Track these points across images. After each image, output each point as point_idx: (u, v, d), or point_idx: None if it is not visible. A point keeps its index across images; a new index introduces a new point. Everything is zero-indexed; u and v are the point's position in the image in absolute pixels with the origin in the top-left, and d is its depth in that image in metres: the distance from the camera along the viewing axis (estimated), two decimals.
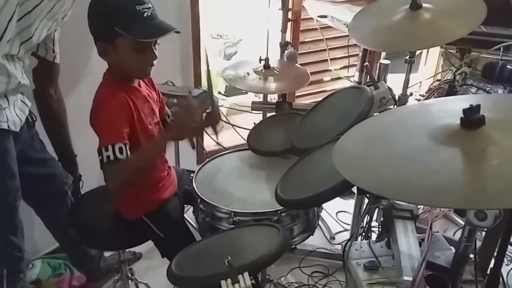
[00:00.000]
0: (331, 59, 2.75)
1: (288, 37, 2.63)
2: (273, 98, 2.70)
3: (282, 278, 2.16)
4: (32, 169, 1.74)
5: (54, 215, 1.88)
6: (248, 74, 2.12)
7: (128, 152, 1.34)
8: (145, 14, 1.34)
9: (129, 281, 1.91)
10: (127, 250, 1.91)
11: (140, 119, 1.44)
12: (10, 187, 1.57)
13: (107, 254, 2.18)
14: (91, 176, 1.98)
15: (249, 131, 1.93)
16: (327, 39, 2.68)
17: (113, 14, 1.33)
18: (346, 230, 2.51)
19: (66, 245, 2.04)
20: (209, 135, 2.41)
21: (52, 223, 1.94)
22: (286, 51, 2.38)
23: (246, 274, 1.07)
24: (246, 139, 1.89)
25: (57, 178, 1.86)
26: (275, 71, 2.13)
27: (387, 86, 1.55)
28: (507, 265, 2.09)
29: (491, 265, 1.30)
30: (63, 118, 1.82)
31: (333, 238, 2.48)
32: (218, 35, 4.15)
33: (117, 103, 1.38)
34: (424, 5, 1.47)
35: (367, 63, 1.85)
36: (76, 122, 2.12)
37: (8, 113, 1.50)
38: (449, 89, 1.83)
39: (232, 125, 2.54)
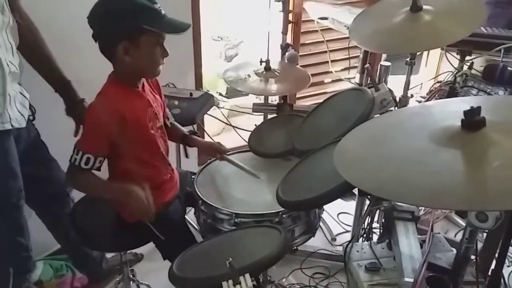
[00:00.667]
0: (332, 61, 2.75)
1: (289, 39, 2.63)
2: (274, 100, 2.71)
3: (283, 280, 2.16)
4: (34, 170, 1.74)
5: (55, 216, 1.88)
6: (249, 76, 2.12)
7: (96, 164, 1.41)
8: (162, 12, 1.38)
9: (131, 282, 1.91)
10: (128, 251, 1.91)
11: (139, 126, 1.44)
12: (12, 187, 1.58)
13: (108, 255, 2.18)
14: None
15: (250, 133, 1.93)
16: (327, 41, 2.68)
17: (137, 12, 1.34)
18: (347, 231, 2.51)
19: (68, 246, 2.04)
20: (209, 137, 2.42)
21: (53, 224, 1.94)
22: (287, 53, 2.38)
23: (247, 275, 1.08)
24: (247, 141, 1.90)
25: (59, 180, 1.86)
26: (276, 73, 2.13)
27: (388, 88, 1.56)
28: (508, 266, 2.09)
29: (493, 266, 1.30)
30: (41, 45, 1.73)
31: (334, 239, 2.47)
32: (219, 37, 4.15)
33: (104, 118, 1.39)
34: (424, 7, 1.47)
35: (368, 65, 1.85)
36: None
37: (10, 112, 1.50)
38: (450, 90, 1.83)
39: (233, 126, 2.54)
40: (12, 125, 1.52)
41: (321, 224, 2.44)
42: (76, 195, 1.86)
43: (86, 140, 1.41)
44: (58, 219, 1.87)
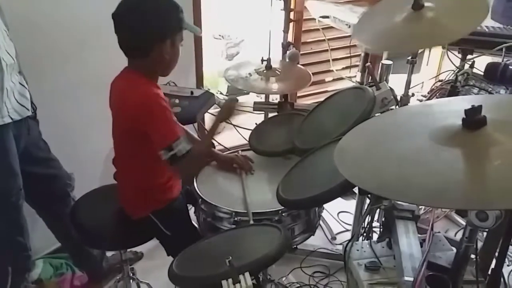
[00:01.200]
0: (333, 60, 2.75)
1: (290, 38, 2.63)
2: (275, 98, 2.71)
3: (283, 278, 2.16)
4: (36, 169, 1.74)
5: (56, 216, 1.88)
6: (250, 74, 2.12)
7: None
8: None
9: (131, 281, 1.91)
10: (128, 250, 1.91)
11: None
12: (12, 186, 1.58)
13: (108, 254, 2.19)
14: (92, 176, 1.99)
15: (250, 131, 1.93)
16: (329, 39, 2.68)
17: (179, 12, 1.41)
18: (347, 230, 2.51)
19: (69, 245, 2.04)
20: None
21: (54, 223, 1.94)
22: (288, 52, 2.38)
23: (247, 274, 1.07)
24: (247, 139, 1.89)
25: (61, 179, 1.86)
26: (277, 71, 2.13)
27: (389, 87, 1.55)
28: (508, 265, 2.08)
29: (492, 265, 1.30)
30: None
31: (334, 238, 2.47)
32: (220, 35, 4.16)
33: (162, 100, 1.41)
34: (426, 4, 1.47)
35: (369, 63, 1.85)
36: (78, 125, 2.14)
37: (8, 105, 1.50)
38: (451, 89, 1.83)
39: (234, 125, 2.54)
40: (11, 118, 1.51)
41: (321, 223, 2.44)
42: (77, 194, 1.87)
43: (173, 127, 1.41)
44: (59, 218, 1.88)
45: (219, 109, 1.66)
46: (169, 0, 1.41)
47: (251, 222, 1.47)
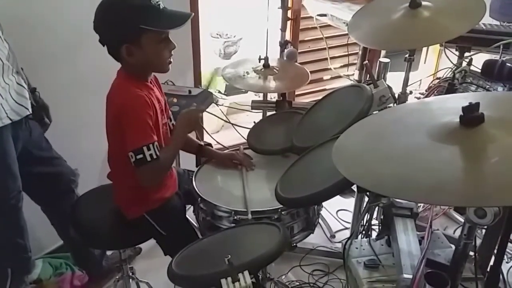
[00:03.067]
0: (331, 58, 2.74)
1: (288, 36, 2.63)
2: (273, 97, 2.70)
3: (283, 277, 2.17)
4: (40, 168, 1.74)
5: (61, 213, 1.88)
6: (247, 73, 2.12)
7: (158, 148, 1.41)
8: (160, 7, 1.38)
9: (130, 280, 1.91)
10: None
11: (156, 117, 1.46)
12: (11, 188, 1.57)
13: (108, 252, 2.19)
14: (91, 176, 1.98)
15: (249, 130, 1.93)
16: (326, 37, 2.67)
17: (135, 14, 1.35)
18: (346, 228, 2.51)
19: (71, 243, 2.04)
20: (209, 134, 2.41)
21: (59, 221, 1.94)
22: (285, 50, 2.38)
23: (246, 272, 1.08)
24: (246, 138, 1.89)
25: (64, 176, 1.86)
26: (275, 70, 2.13)
27: (387, 85, 1.56)
28: (507, 262, 2.09)
29: (491, 262, 1.30)
30: None
31: (333, 236, 2.48)
32: (217, 34, 4.15)
33: (144, 103, 1.40)
34: (423, 3, 1.47)
35: (367, 61, 1.85)
36: (76, 124, 2.13)
37: (5, 107, 1.49)
38: (449, 87, 1.83)
39: (232, 124, 2.53)
40: (10, 119, 1.51)
41: (320, 221, 2.44)
42: (81, 191, 1.87)
43: (145, 131, 1.38)
44: (64, 215, 1.87)
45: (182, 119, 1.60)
46: (129, 3, 1.35)
47: (250, 218, 1.47)
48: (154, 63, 1.46)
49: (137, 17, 1.35)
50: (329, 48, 2.72)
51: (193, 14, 1.44)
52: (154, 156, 1.38)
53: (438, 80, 2.01)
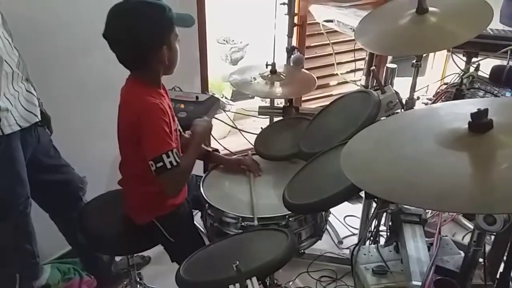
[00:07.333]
0: (338, 64, 2.75)
1: (294, 42, 2.63)
2: (279, 102, 2.71)
3: (290, 283, 2.16)
4: (49, 176, 1.76)
5: (69, 220, 1.89)
6: (254, 79, 2.12)
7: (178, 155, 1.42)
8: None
9: (138, 285, 1.91)
10: (135, 254, 1.91)
11: (170, 123, 1.47)
12: (20, 194, 1.58)
13: (117, 258, 2.19)
14: (99, 182, 1.99)
15: (256, 135, 1.93)
16: (333, 43, 2.68)
17: (163, 14, 1.38)
18: (354, 234, 2.50)
19: (80, 249, 2.05)
20: (216, 140, 2.42)
21: (67, 228, 1.95)
22: (292, 56, 2.38)
23: (254, 279, 1.08)
24: (253, 144, 1.89)
25: (73, 184, 1.87)
26: (282, 76, 2.13)
27: (394, 90, 1.55)
28: None
29: (501, 269, 1.29)
30: None
31: (341, 242, 2.47)
32: (224, 40, 4.17)
33: (159, 110, 1.40)
34: (430, 9, 1.47)
35: (374, 67, 1.85)
36: (84, 130, 2.15)
37: (15, 113, 1.51)
38: (457, 92, 1.82)
39: (239, 129, 2.54)
40: (20, 126, 1.52)
41: (327, 227, 2.42)
42: (88, 197, 1.88)
43: (165, 138, 1.38)
44: (72, 222, 1.88)
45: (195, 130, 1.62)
46: (153, 5, 1.37)
47: (256, 225, 1.47)
48: (175, 62, 1.48)
49: (167, 17, 1.38)
50: (336, 53, 2.72)
51: (188, 14, 1.48)
52: (174, 163, 1.37)
53: (445, 86, 2.00)
